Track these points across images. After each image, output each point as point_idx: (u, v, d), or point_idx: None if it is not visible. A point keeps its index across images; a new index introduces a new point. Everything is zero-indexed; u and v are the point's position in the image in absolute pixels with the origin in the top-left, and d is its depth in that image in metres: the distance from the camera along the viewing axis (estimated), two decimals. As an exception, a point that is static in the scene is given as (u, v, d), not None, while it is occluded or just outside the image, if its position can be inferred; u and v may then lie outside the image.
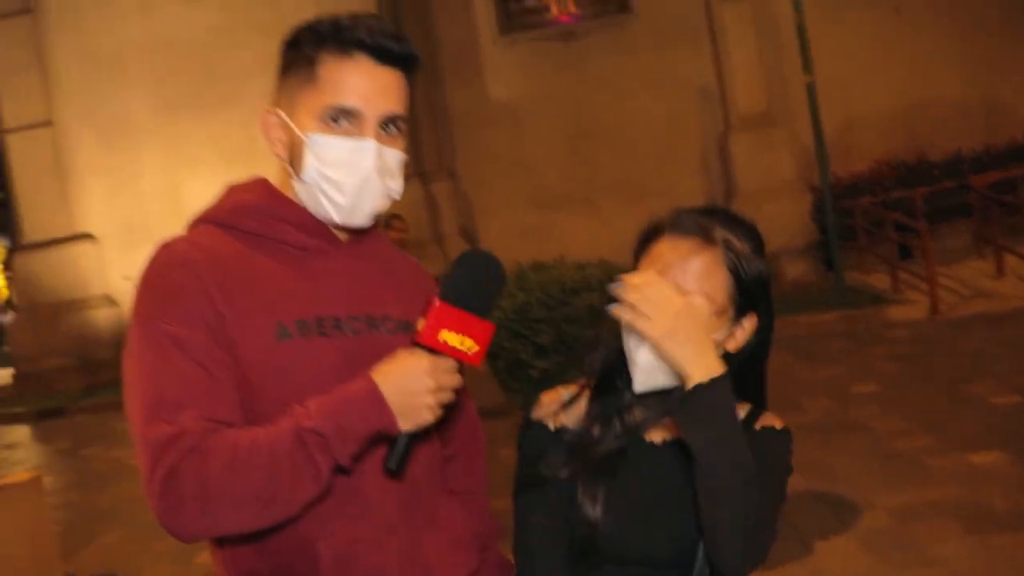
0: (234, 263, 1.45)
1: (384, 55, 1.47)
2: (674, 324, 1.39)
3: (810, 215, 13.69)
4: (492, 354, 4.79)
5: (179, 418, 1.33)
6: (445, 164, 14.61)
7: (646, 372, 1.53)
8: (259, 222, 1.50)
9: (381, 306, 1.55)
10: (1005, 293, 10.23)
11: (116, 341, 14.76)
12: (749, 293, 1.58)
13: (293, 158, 1.50)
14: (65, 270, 15.04)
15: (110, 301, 15.17)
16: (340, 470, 1.38)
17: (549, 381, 1.72)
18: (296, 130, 1.48)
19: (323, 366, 1.44)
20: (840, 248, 11.70)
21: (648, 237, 1.61)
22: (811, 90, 11.30)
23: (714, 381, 1.39)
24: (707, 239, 1.56)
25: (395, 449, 1.40)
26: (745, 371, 1.62)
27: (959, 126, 14.01)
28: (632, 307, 1.42)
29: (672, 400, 1.57)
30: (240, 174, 1.65)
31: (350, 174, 1.46)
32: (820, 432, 6.34)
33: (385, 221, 7.27)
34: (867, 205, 12.62)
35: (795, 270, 13.51)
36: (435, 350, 1.38)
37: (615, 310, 1.45)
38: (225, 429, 1.35)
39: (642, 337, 1.46)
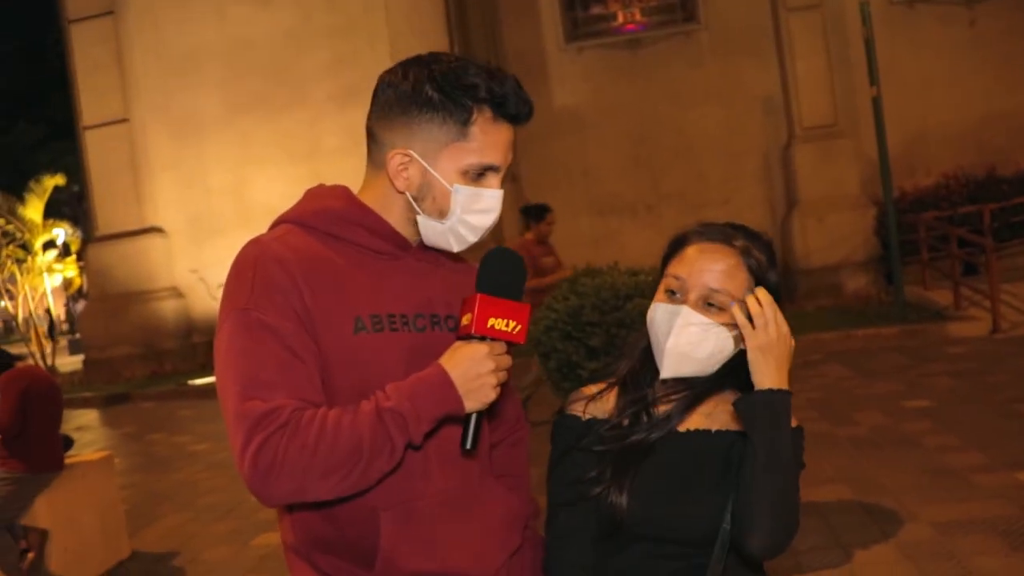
0: (318, 261, 1.60)
1: (520, 121, 1.66)
2: (772, 342, 1.64)
3: (873, 229, 13.61)
4: (544, 355, 4.94)
5: (273, 396, 1.48)
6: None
7: (675, 359, 1.74)
8: (340, 226, 1.65)
9: (444, 306, 1.70)
10: (1069, 313, 10.08)
11: (181, 332, 15.23)
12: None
13: (424, 199, 1.64)
14: (135, 262, 15.57)
15: (177, 293, 15.66)
16: (411, 447, 1.55)
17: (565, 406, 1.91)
18: (440, 179, 1.62)
19: (392, 357, 1.60)
20: (902, 263, 11.62)
21: (677, 244, 1.81)
22: (877, 102, 11.25)
23: (781, 391, 1.64)
24: (731, 245, 1.76)
25: (467, 429, 1.57)
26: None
27: (1030, 142, 13.82)
28: (748, 313, 1.67)
29: (695, 393, 1.78)
30: (304, 173, 1.83)
31: (487, 219, 1.66)
32: (870, 446, 6.37)
33: (536, 212, 7.78)
34: (932, 220, 12.51)
35: (856, 283, 13.44)
36: (486, 337, 1.57)
37: (733, 309, 1.69)
38: (313, 408, 1.50)
39: (744, 341, 1.68)
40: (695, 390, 1.78)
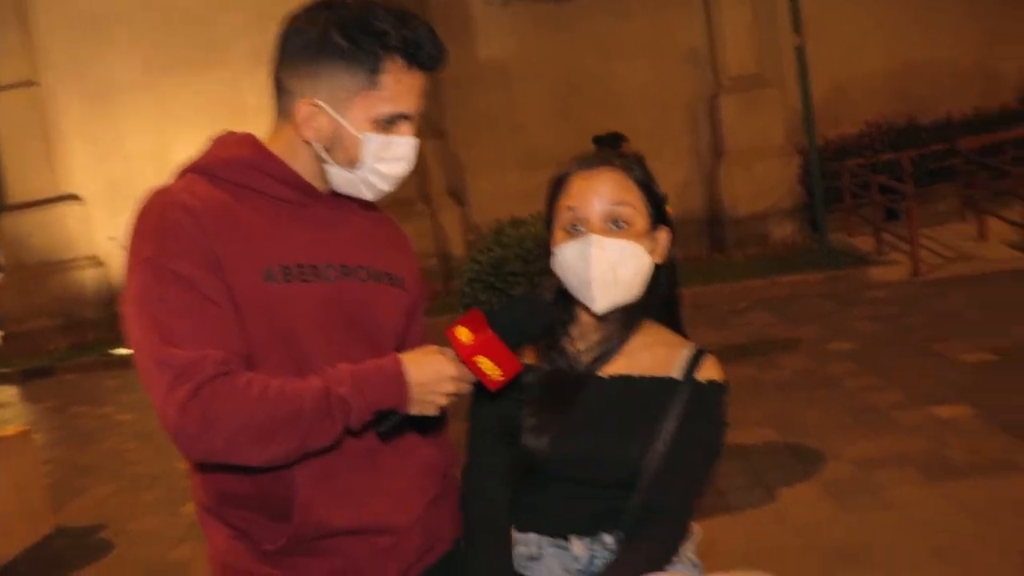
0: (226, 211, 1.55)
1: (434, 68, 1.61)
2: None
3: (798, 178, 13.82)
4: (467, 307, 4.95)
5: (196, 345, 1.43)
6: (434, 124, 14.65)
7: (604, 290, 1.71)
8: (246, 175, 1.61)
9: (354, 256, 1.67)
10: (986, 256, 10.38)
11: (102, 301, 14.91)
12: (658, 206, 1.77)
13: (334, 149, 1.60)
14: (51, 231, 15.15)
15: (96, 262, 15.30)
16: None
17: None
18: (351, 128, 1.58)
19: (304, 308, 1.56)
20: (827, 210, 11.84)
21: (558, 183, 1.80)
22: (800, 53, 11.36)
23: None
24: (612, 165, 1.76)
25: (390, 421, 1.56)
26: (666, 293, 1.82)
27: (951, 90, 14.14)
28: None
29: (617, 333, 1.77)
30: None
31: (401, 168, 1.63)
32: (794, 388, 6.53)
33: (610, 141, 7.24)
34: (854, 167, 12.75)
35: (781, 231, 13.68)
36: (465, 364, 1.55)
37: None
38: (252, 372, 1.47)
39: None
40: (617, 330, 1.78)
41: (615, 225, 1.71)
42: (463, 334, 1.56)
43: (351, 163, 1.61)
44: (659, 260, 1.78)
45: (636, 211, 1.72)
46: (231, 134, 1.71)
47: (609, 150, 1.86)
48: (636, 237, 1.72)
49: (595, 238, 1.70)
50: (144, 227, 1.52)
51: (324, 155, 1.62)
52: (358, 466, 1.62)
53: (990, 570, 3.62)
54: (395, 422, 1.57)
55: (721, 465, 5.03)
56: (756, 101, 14.08)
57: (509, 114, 15.00)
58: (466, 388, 1.59)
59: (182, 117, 14.65)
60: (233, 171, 1.62)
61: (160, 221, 1.51)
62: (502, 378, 1.58)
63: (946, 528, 4.00)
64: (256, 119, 1.67)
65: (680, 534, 1.71)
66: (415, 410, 1.56)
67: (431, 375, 1.54)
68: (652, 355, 1.76)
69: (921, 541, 3.92)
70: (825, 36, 13.70)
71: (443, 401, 1.57)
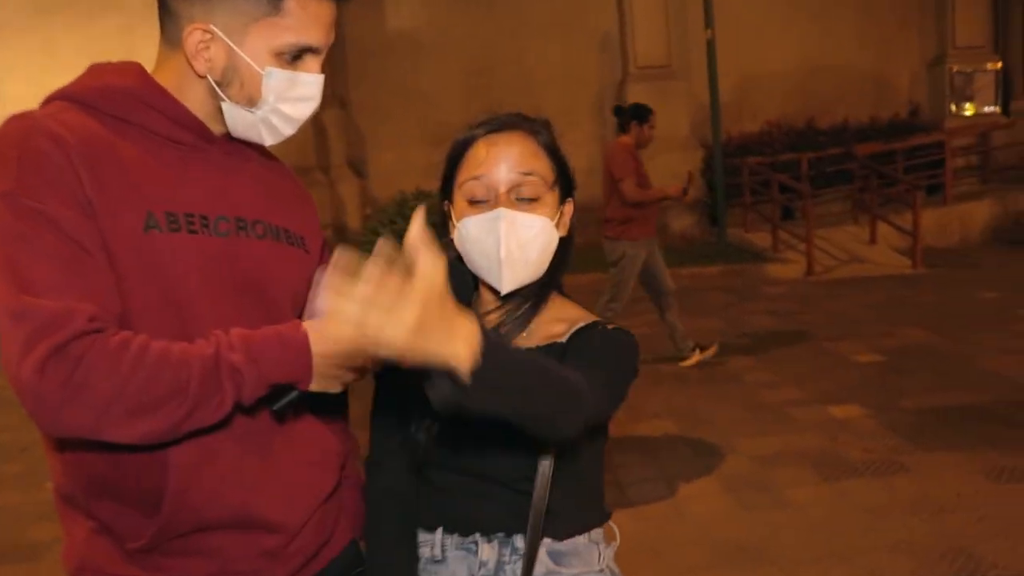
0: (102, 145, 1.37)
1: None
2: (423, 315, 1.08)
3: (700, 171, 14.00)
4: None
5: (60, 297, 1.24)
6: (337, 91, 14.30)
7: (513, 269, 1.56)
8: (128, 108, 1.43)
9: (252, 209, 1.51)
10: (876, 259, 10.73)
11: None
12: (565, 176, 1.63)
13: (230, 84, 1.44)
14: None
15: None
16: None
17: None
18: (249, 61, 1.42)
19: (189, 263, 1.39)
20: (726, 205, 12.04)
21: (459, 148, 1.62)
22: (710, 46, 11.51)
23: (488, 349, 1.16)
24: (520, 130, 1.60)
25: (286, 398, 1.40)
26: (564, 266, 1.68)
27: (848, 95, 14.55)
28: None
29: (519, 318, 1.61)
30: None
31: (306, 108, 1.47)
32: (695, 382, 6.59)
33: (639, 113, 6.89)
34: (755, 165, 12.98)
35: (681, 224, 13.85)
36: None
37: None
38: (127, 331, 1.29)
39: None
40: (519, 308, 1.63)
41: (521, 199, 1.56)
42: None
43: (250, 101, 1.44)
44: (563, 233, 1.64)
45: (545, 182, 1.58)
46: (109, 63, 1.51)
47: (516, 114, 1.65)
48: (546, 211, 1.58)
49: (505, 212, 1.54)
50: (0, 157, 1.31)
51: (219, 91, 1.44)
52: (245, 450, 1.43)
53: (882, 568, 3.70)
54: (292, 399, 1.40)
55: (621, 457, 5.02)
56: (663, 92, 14.13)
57: (416, 87, 14.76)
58: (374, 365, 1.43)
59: (69, 64, 13.82)
60: (111, 102, 1.42)
61: (20, 150, 1.31)
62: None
63: (841, 526, 4.08)
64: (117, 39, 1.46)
65: (579, 396, 1.38)
66: (317, 386, 1.39)
67: (338, 348, 1.36)
68: (550, 330, 1.62)
69: (817, 539, 3.99)
70: (734, 32, 13.88)
71: (349, 378, 1.42)
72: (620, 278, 6.76)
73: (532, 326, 1.63)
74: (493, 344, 1.17)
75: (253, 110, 1.44)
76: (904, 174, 11.92)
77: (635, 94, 14.18)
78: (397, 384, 1.58)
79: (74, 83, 1.46)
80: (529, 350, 1.55)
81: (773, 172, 12.39)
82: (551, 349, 1.57)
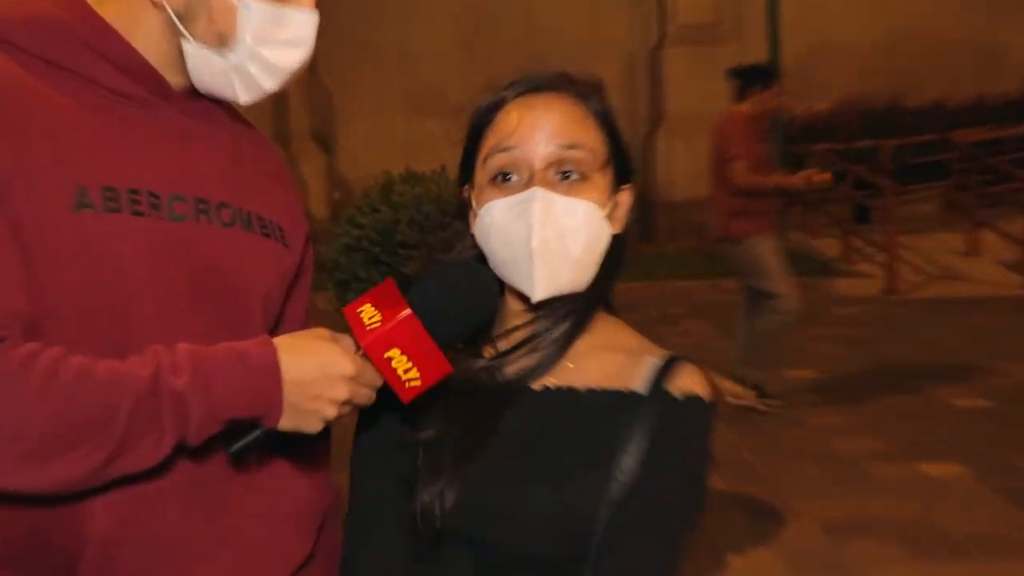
0: (22, 94, 1.33)
1: None
2: None
3: (753, 160, 13.92)
4: (343, 283, 4.75)
5: None
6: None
7: (550, 265, 1.50)
8: (62, 48, 1.39)
9: (216, 188, 1.49)
10: (977, 276, 10.66)
11: None
12: (621, 155, 1.59)
13: (195, 17, 1.43)
14: None
15: None
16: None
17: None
18: None
19: (131, 257, 1.36)
20: (784, 203, 11.90)
21: (487, 112, 1.58)
22: (771, 2, 11.40)
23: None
24: (563, 92, 1.56)
25: (248, 438, 1.36)
26: (616, 274, 1.63)
27: (946, 69, 14.48)
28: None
29: (556, 340, 1.57)
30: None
31: (294, 55, 1.48)
32: (743, 424, 6.47)
33: (760, 76, 6.78)
34: (823, 153, 12.87)
35: (727, 224, 13.74)
36: (368, 358, 1.37)
37: None
38: (24, 330, 1.25)
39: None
40: (556, 326, 1.57)
41: (564, 176, 1.52)
42: (369, 314, 1.38)
43: (220, 41, 1.43)
44: (618, 231, 1.60)
45: (595, 158, 1.54)
46: None
47: (560, 72, 1.60)
48: (595, 195, 1.54)
49: (541, 192, 1.49)
50: None
51: (179, 26, 1.42)
52: (190, 504, 1.40)
53: None
54: (254, 440, 1.36)
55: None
56: (709, 58, 14.05)
57: (399, 44, 14.78)
58: (367, 396, 1.39)
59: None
60: (38, 38, 1.38)
61: None
62: (420, 384, 1.38)
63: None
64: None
65: None
66: (288, 423, 1.35)
67: (317, 372, 1.34)
68: (603, 363, 1.56)
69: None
70: (800, -12, 13.83)
71: (330, 413, 1.36)
72: (767, 277, 6.64)
73: (574, 354, 1.57)
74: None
75: (224, 53, 1.43)
76: (1016, 168, 11.76)
77: (674, 59, 14.16)
78: (391, 419, 1.56)
79: None
80: (576, 393, 1.54)
81: (846, 163, 12.29)
82: (624, 401, 1.52)
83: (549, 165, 1.51)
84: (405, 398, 1.40)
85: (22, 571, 1.33)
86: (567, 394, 1.54)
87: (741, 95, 6.77)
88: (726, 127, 6.62)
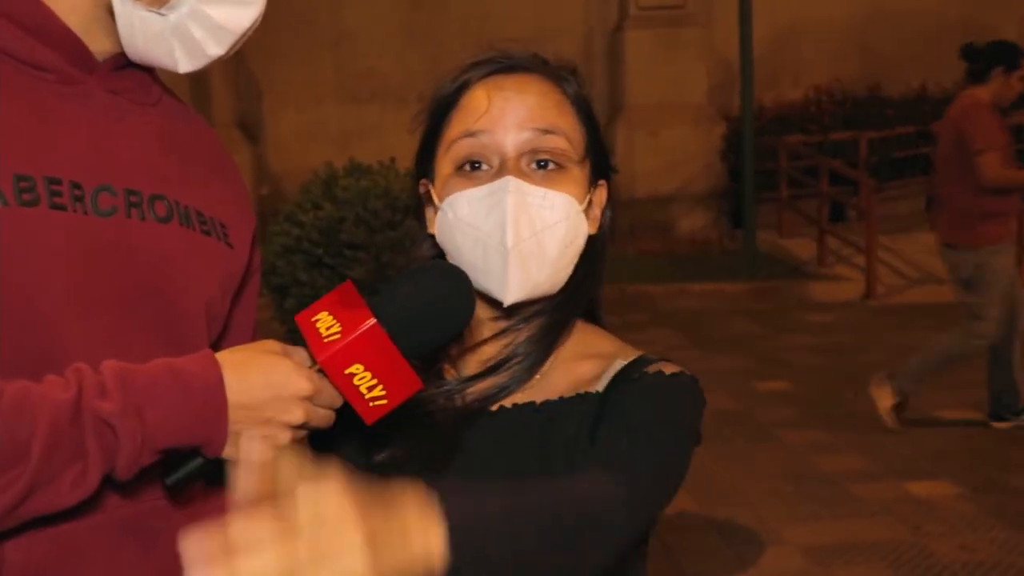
0: None
1: None
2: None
3: (720, 152, 14.00)
4: (280, 288, 4.69)
5: None
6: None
7: (523, 266, 1.47)
8: None
9: (151, 179, 1.45)
10: (961, 279, 10.73)
11: None
12: (599, 147, 1.58)
13: None
14: None
15: None
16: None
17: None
18: None
19: (50, 256, 1.31)
20: (755, 200, 11.98)
21: (453, 94, 1.55)
22: (743, -19, 11.48)
23: (455, 530, 1.12)
24: (536, 72, 1.55)
25: (186, 468, 1.32)
26: (594, 279, 1.62)
27: (928, 54, 14.58)
28: None
29: (528, 356, 1.54)
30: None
31: (243, 14, 1.43)
32: (714, 440, 6.45)
33: (1006, 55, 6.28)
34: (796, 146, 13.02)
35: (692, 223, 13.83)
36: (326, 374, 1.32)
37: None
38: None
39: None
40: (527, 339, 1.55)
41: (540, 165, 1.50)
42: (326, 324, 1.33)
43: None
44: (592, 230, 1.58)
45: (574, 147, 1.52)
46: None
47: (532, 53, 1.59)
48: (573, 189, 1.51)
49: (515, 182, 1.47)
50: None
51: None
52: (123, 542, 1.36)
53: None
54: (194, 470, 1.32)
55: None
56: (673, 42, 14.20)
57: (332, 23, 14.73)
58: (325, 417, 1.36)
59: None
60: None
61: None
62: (387, 403, 1.34)
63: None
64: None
65: (607, 517, 1.31)
66: (234, 452, 1.29)
67: (267, 393, 1.29)
68: (571, 372, 1.55)
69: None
70: (770, -34, 13.93)
71: (283, 439, 1.32)
72: (987, 296, 6.24)
73: (549, 365, 1.55)
74: (460, 515, 1.10)
75: (163, 12, 1.39)
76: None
77: (636, 43, 14.21)
78: (345, 441, 1.52)
79: None
80: (535, 407, 1.51)
81: (821, 156, 12.42)
82: (581, 403, 1.49)
83: (523, 153, 1.49)
84: (369, 419, 1.36)
85: None
86: (526, 410, 1.52)
87: (979, 77, 6.34)
88: (969, 113, 6.20)
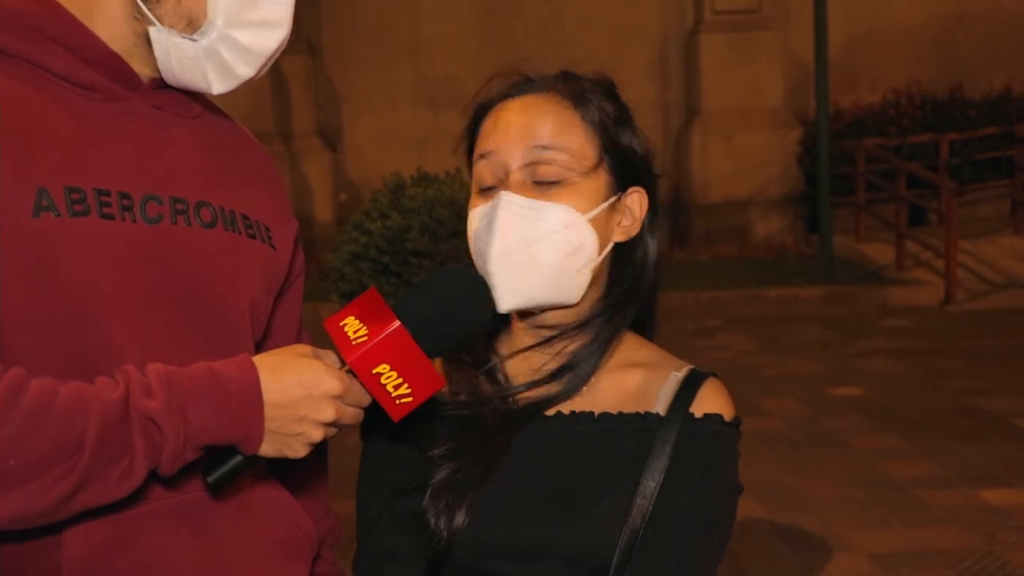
0: None
1: None
2: None
3: (796, 156, 13.90)
4: (349, 294, 4.73)
5: None
6: (303, 35, 14.34)
7: (509, 275, 1.54)
8: (21, 37, 1.40)
9: (196, 186, 1.51)
10: (1044, 284, 10.58)
11: None
12: (626, 160, 1.61)
13: (162, 0, 1.45)
14: None
15: None
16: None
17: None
18: None
19: (99, 264, 1.36)
20: (832, 204, 11.89)
21: (477, 117, 1.65)
22: (818, -16, 11.40)
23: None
24: (549, 91, 1.61)
25: (227, 466, 1.39)
26: (640, 287, 1.66)
27: (1011, 54, 14.36)
28: None
29: (574, 363, 1.62)
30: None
31: (270, 37, 1.50)
32: (784, 445, 6.47)
33: None
34: (874, 149, 12.86)
35: (768, 227, 13.73)
36: (355, 374, 1.40)
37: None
38: None
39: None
40: (572, 349, 1.62)
41: (539, 183, 1.57)
42: (353, 328, 1.41)
43: (190, 25, 1.45)
44: (623, 237, 1.64)
45: (577, 161, 1.57)
46: None
47: (574, 75, 1.67)
48: (575, 199, 1.57)
49: (506, 197, 1.56)
50: None
51: (144, 9, 1.44)
52: (176, 530, 1.43)
53: None
54: (235, 468, 1.39)
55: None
56: (748, 46, 14.12)
57: (410, 30, 14.84)
58: (354, 415, 1.43)
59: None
60: None
61: None
62: (412, 400, 1.42)
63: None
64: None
65: None
66: (270, 449, 1.38)
67: (300, 393, 1.36)
68: (620, 383, 1.63)
69: None
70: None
71: (316, 436, 1.39)
72: None
73: (596, 378, 1.63)
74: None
75: (195, 38, 1.45)
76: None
77: (711, 47, 14.17)
78: (398, 436, 1.60)
79: None
80: (592, 419, 1.59)
81: (900, 159, 12.26)
82: (642, 422, 1.58)
83: (521, 168, 1.56)
84: (396, 416, 1.43)
85: None
86: (584, 419, 1.59)
87: None
88: None
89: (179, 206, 1.47)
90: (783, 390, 7.72)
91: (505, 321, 1.69)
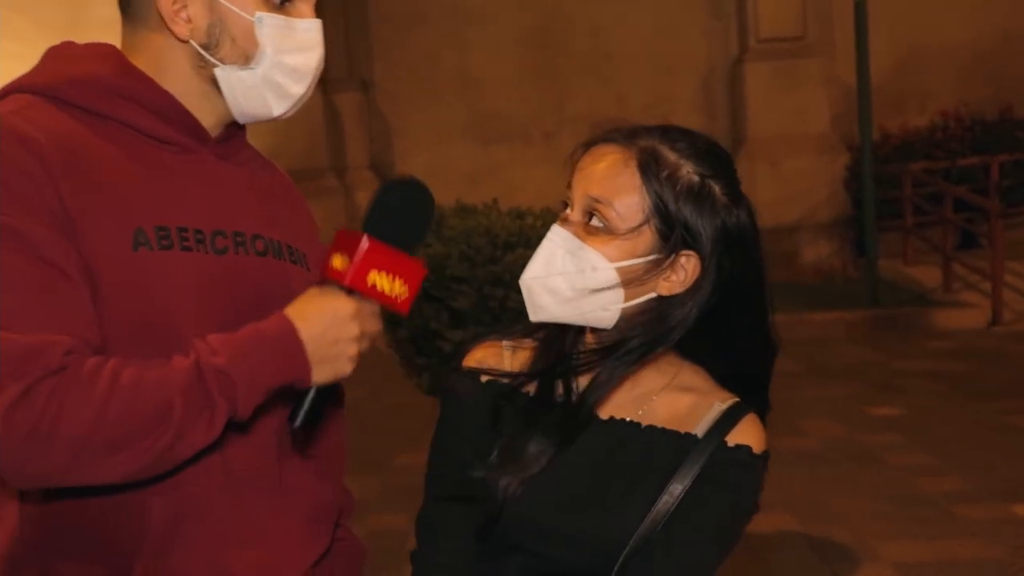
0: (81, 148, 1.57)
1: None
2: None
3: (843, 181, 13.85)
4: (392, 321, 4.86)
5: (34, 328, 1.43)
6: (356, 71, 14.50)
7: (532, 291, 1.77)
8: (109, 102, 1.63)
9: (251, 222, 1.76)
10: (1092, 307, 10.51)
11: None
12: (679, 219, 1.72)
13: (220, 44, 1.67)
14: None
15: None
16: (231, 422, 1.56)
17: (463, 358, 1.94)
18: (237, 10, 1.65)
19: (181, 288, 1.61)
20: (879, 228, 11.90)
21: (582, 150, 1.81)
22: (860, 10, 11.40)
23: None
24: (615, 143, 1.76)
25: (302, 404, 1.64)
26: (664, 339, 1.78)
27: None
28: None
29: (615, 359, 1.77)
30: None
31: (311, 57, 1.73)
32: (820, 462, 6.55)
33: None
34: (921, 173, 12.80)
35: (815, 252, 13.65)
36: (358, 292, 1.62)
37: None
38: (98, 356, 1.48)
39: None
40: (614, 355, 1.77)
41: (591, 224, 1.75)
42: (340, 262, 1.63)
43: (246, 58, 1.67)
44: (666, 292, 1.76)
45: (622, 219, 1.72)
46: (73, 44, 1.72)
47: (669, 128, 1.80)
48: (614, 252, 1.72)
49: (555, 230, 1.76)
50: None
51: (207, 56, 1.67)
52: (228, 505, 1.66)
53: None
54: (310, 403, 1.63)
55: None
56: (794, 73, 14.08)
57: (460, 66, 14.86)
58: (375, 326, 1.65)
59: (9, 28, 14.35)
60: (89, 94, 1.62)
61: None
62: (408, 291, 1.66)
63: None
64: (102, 35, 1.75)
65: None
66: (323, 375, 1.60)
67: (326, 322, 1.60)
68: (671, 403, 1.80)
69: None
70: (892, -7, 13.79)
71: (353, 351, 1.62)
72: None
73: (646, 390, 1.81)
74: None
75: (253, 67, 1.68)
76: None
77: (756, 75, 14.15)
78: (465, 437, 1.82)
79: (37, 71, 1.67)
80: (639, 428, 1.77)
81: (947, 183, 12.23)
82: (679, 440, 1.77)
83: (580, 208, 1.75)
84: (404, 309, 1.67)
85: (92, 560, 1.60)
86: (630, 428, 1.78)
87: None
88: None
89: (239, 239, 1.72)
90: (822, 410, 7.74)
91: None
